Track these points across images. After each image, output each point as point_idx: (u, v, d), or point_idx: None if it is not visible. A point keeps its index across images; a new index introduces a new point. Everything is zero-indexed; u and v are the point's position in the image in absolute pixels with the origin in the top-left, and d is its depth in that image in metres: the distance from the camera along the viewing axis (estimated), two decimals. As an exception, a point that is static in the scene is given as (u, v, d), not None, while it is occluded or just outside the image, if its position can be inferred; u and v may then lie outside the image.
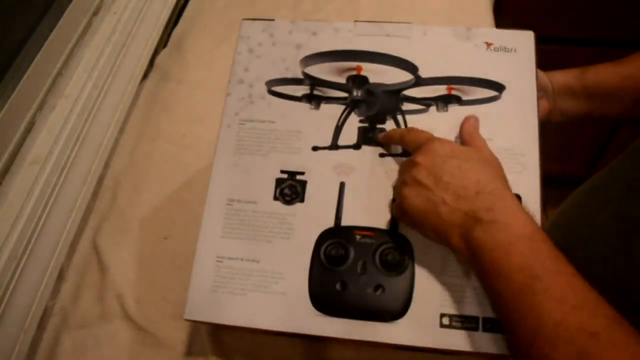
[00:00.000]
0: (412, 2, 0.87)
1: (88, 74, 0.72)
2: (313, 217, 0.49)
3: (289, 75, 0.55)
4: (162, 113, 0.77)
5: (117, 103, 0.74)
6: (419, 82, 0.53)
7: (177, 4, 0.90)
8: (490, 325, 0.44)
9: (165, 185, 0.69)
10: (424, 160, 0.44)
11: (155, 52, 0.84)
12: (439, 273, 0.46)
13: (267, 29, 0.57)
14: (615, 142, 1.30)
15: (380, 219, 0.49)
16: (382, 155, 0.51)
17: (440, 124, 0.51)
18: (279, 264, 0.48)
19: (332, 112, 0.53)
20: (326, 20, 0.84)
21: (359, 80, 0.54)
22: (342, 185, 0.50)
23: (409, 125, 0.52)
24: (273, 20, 0.58)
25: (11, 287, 0.56)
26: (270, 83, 0.55)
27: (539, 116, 0.51)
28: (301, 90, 0.54)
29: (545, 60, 0.56)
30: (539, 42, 0.53)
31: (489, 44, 0.53)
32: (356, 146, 0.52)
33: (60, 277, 0.63)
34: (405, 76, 0.53)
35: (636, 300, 0.50)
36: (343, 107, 0.53)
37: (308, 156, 0.51)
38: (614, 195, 0.56)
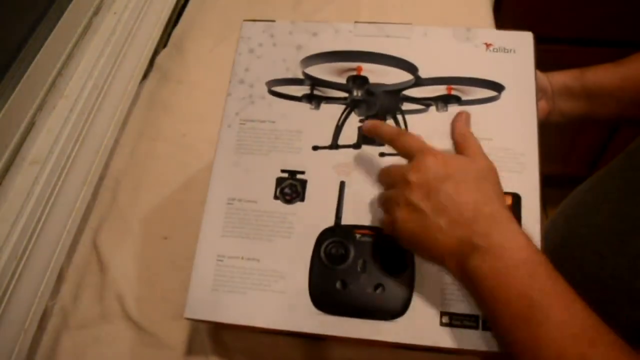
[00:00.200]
0: (412, 3, 0.87)
1: (88, 74, 0.72)
2: (313, 216, 0.49)
3: (290, 75, 0.55)
4: (162, 113, 0.77)
5: (117, 103, 0.74)
6: (419, 82, 0.53)
7: (177, 4, 0.90)
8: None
9: (165, 185, 0.69)
10: (418, 180, 0.42)
11: (155, 52, 0.84)
12: (438, 272, 0.46)
13: (267, 29, 0.57)
14: (615, 142, 1.30)
15: (380, 217, 0.49)
16: (382, 154, 0.51)
17: (440, 124, 0.51)
18: (279, 263, 0.48)
19: (332, 112, 0.53)
20: (326, 20, 0.85)
21: (359, 81, 0.54)
22: (342, 185, 0.50)
23: (409, 125, 0.52)
24: (274, 21, 0.58)
25: (11, 287, 0.56)
26: (271, 83, 0.55)
27: (538, 116, 0.51)
28: (301, 90, 0.54)
29: (545, 60, 0.56)
30: (539, 42, 0.53)
31: (488, 45, 0.54)
32: (356, 146, 0.52)
33: (60, 277, 0.63)
34: (405, 76, 0.54)
35: (634, 299, 0.50)
36: (343, 107, 0.53)
37: (308, 156, 0.52)
38: (612, 194, 0.56)
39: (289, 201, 0.50)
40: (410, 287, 0.46)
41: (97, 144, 0.70)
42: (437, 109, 0.52)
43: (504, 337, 0.39)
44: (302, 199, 0.50)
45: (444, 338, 0.44)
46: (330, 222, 0.49)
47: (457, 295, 0.46)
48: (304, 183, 0.51)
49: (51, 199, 0.62)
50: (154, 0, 0.85)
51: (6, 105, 0.60)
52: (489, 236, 0.40)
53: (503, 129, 0.50)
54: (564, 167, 1.35)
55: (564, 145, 1.32)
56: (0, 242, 0.56)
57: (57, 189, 0.63)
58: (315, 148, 0.52)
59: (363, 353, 0.55)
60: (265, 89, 0.55)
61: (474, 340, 0.44)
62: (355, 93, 0.54)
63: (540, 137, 0.50)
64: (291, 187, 0.51)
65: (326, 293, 0.47)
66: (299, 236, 0.49)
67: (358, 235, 0.48)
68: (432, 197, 0.42)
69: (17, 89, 0.62)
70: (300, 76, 0.55)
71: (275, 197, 0.51)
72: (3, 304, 0.55)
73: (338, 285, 0.47)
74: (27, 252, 0.58)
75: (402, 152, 0.46)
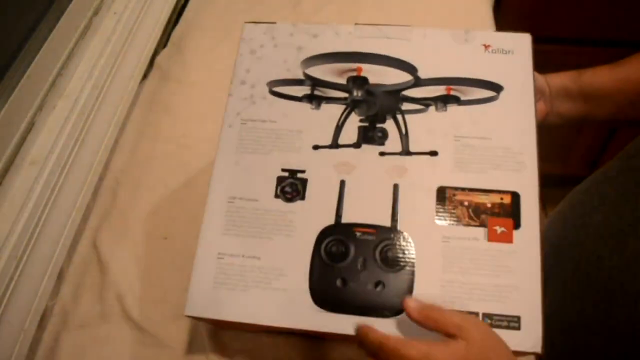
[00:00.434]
0: (412, 3, 0.87)
1: (88, 74, 0.72)
2: (314, 214, 0.50)
3: (290, 76, 0.55)
4: (162, 113, 0.77)
5: (117, 103, 0.74)
6: (418, 82, 0.54)
7: (177, 4, 0.90)
8: (489, 321, 0.45)
9: (165, 185, 0.69)
10: None
11: (155, 52, 0.84)
12: (438, 269, 0.47)
13: (268, 31, 0.58)
14: (615, 142, 1.30)
15: (380, 216, 0.49)
16: (382, 154, 0.52)
17: (439, 124, 0.52)
18: (280, 261, 0.49)
19: (332, 112, 0.54)
20: (326, 20, 0.85)
21: (359, 81, 0.54)
22: (342, 183, 0.51)
23: (409, 125, 0.52)
24: (275, 23, 0.58)
25: (11, 287, 0.56)
26: (272, 84, 0.55)
27: (536, 116, 0.51)
28: (302, 90, 0.55)
29: (545, 61, 0.56)
30: (539, 42, 0.53)
31: (486, 46, 0.54)
32: (356, 145, 0.52)
33: (60, 277, 0.63)
34: (404, 77, 0.54)
35: (630, 300, 0.50)
36: (343, 107, 0.54)
37: (309, 155, 0.52)
38: (609, 196, 0.56)
39: (289, 200, 0.51)
40: (410, 285, 0.47)
41: (97, 144, 0.70)
42: (437, 109, 0.53)
43: None
44: (303, 198, 0.50)
45: None
46: (330, 220, 0.49)
47: (456, 292, 0.46)
48: (304, 182, 0.51)
49: (51, 199, 0.62)
50: (154, 0, 0.85)
51: (6, 105, 0.60)
52: None
53: (502, 129, 0.51)
54: (563, 167, 1.35)
55: (563, 145, 1.32)
56: (0, 242, 0.56)
57: (57, 189, 0.63)
58: (315, 147, 0.52)
59: (363, 353, 0.55)
60: (266, 89, 0.55)
61: None
62: (355, 93, 0.54)
63: (539, 137, 0.51)
64: (292, 186, 0.51)
65: (326, 291, 0.47)
66: (300, 234, 0.49)
67: (358, 233, 0.49)
68: None
69: (17, 89, 0.62)
70: (301, 77, 0.55)
71: (276, 196, 0.51)
72: (3, 304, 0.55)
73: (338, 282, 0.48)
74: (27, 252, 0.58)
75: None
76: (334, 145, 0.52)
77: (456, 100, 0.53)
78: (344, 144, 0.52)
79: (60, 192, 0.64)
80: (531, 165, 0.49)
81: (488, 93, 0.53)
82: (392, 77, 0.54)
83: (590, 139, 1.33)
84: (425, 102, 0.53)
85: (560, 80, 0.61)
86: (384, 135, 0.52)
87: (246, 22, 0.59)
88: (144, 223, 0.66)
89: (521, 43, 0.54)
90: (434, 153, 0.51)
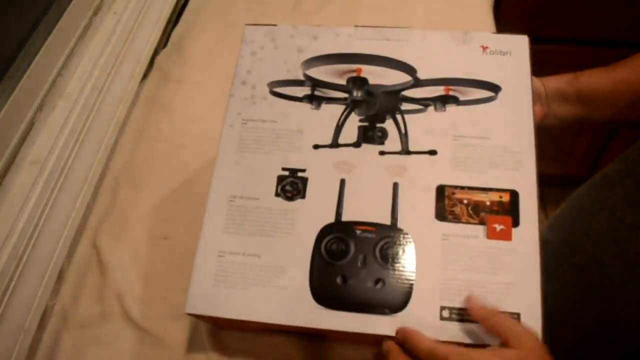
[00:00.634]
0: (412, 4, 0.87)
1: (88, 74, 0.72)
2: (314, 213, 0.50)
3: (291, 77, 0.56)
4: (162, 113, 0.77)
5: (117, 103, 0.74)
6: (417, 83, 0.54)
7: (177, 4, 0.90)
8: None
9: (165, 185, 0.69)
10: None
11: (155, 52, 0.84)
12: (438, 267, 0.47)
13: (269, 33, 0.58)
14: (615, 142, 1.30)
15: (380, 214, 0.49)
16: (381, 153, 0.52)
17: (438, 123, 0.52)
18: (280, 259, 0.49)
19: (332, 112, 0.54)
20: (326, 20, 0.85)
21: (358, 82, 0.55)
22: (342, 182, 0.51)
23: (409, 125, 0.53)
24: (275, 25, 0.58)
25: (11, 287, 0.56)
26: (273, 84, 0.56)
27: (534, 116, 0.52)
28: (302, 91, 0.55)
29: (545, 61, 0.56)
30: (539, 42, 0.54)
31: (485, 48, 0.55)
32: (356, 144, 0.52)
33: (60, 277, 0.63)
34: (403, 77, 0.55)
35: (633, 307, 0.50)
36: (343, 107, 0.54)
37: (309, 154, 0.52)
38: (610, 202, 0.56)
39: (290, 198, 0.51)
40: (410, 282, 0.47)
41: (97, 144, 0.70)
42: (436, 109, 0.53)
43: None
44: (303, 197, 0.51)
45: (445, 332, 0.45)
46: (330, 218, 0.50)
47: (456, 289, 0.46)
48: (304, 181, 0.51)
49: (51, 199, 0.62)
50: (154, 0, 0.85)
51: (6, 105, 0.61)
52: None
53: (500, 128, 0.52)
54: (563, 167, 1.35)
55: (563, 145, 1.32)
56: (0, 242, 0.57)
57: (57, 189, 0.63)
58: (316, 147, 0.53)
59: (363, 353, 0.55)
60: (267, 90, 0.56)
61: (474, 333, 0.45)
62: (355, 94, 0.55)
63: (538, 137, 0.51)
64: (292, 185, 0.51)
65: (327, 288, 0.48)
66: (300, 232, 0.50)
67: (358, 231, 0.49)
68: None
69: (17, 89, 0.62)
70: (301, 78, 0.56)
71: (277, 195, 0.51)
72: (3, 304, 0.55)
73: (338, 280, 0.48)
74: (27, 252, 0.58)
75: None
76: (334, 144, 0.53)
77: (455, 101, 0.53)
78: (344, 144, 0.53)
79: (60, 192, 0.64)
80: (530, 164, 0.50)
81: (486, 93, 0.53)
82: (392, 77, 0.55)
83: (590, 139, 1.33)
84: (425, 102, 0.53)
85: (556, 82, 0.61)
86: (384, 134, 0.53)
87: (247, 24, 0.59)
88: (144, 223, 0.67)
89: (519, 44, 0.55)
90: (433, 152, 0.51)
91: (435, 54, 0.55)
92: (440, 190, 0.50)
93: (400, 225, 0.49)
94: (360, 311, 0.47)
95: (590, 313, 0.55)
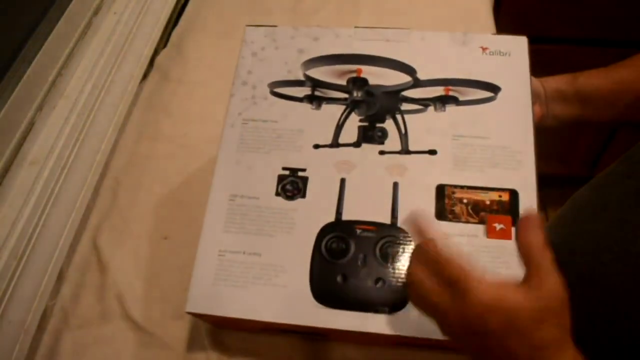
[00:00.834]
0: (412, 4, 0.87)
1: (88, 74, 0.72)
2: (314, 212, 0.50)
3: (291, 77, 0.56)
4: (162, 113, 0.77)
5: (117, 103, 0.74)
6: (417, 83, 0.55)
7: (177, 4, 0.90)
8: None
9: (165, 185, 0.69)
10: (459, 319, 0.37)
11: (155, 52, 0.84)
12: None
13: (270, 34, 0.59)
14: (615, 142, 1.30)
15: (380, 214, 0.49)
16: (381, 152, 0.52)
17: (438, 123, 0.53)
18: (281, 258, 0.49)
19: (332, 112, 0.54)
20: (325, 21, 0.85)
21: (359, 82, 0.55)
22: (342, 181, 0.51)
23: (408, 125, 0.53)
24: (276, 26, 0.59)
25: (11, 287, 0.56)
26: (273, 84, 0.56)
27: (533, 116, 0.52)
28: (303, 91, 0.56)
29: (545, 61, 0.56)
30: (539, 42, 0.54)
31: (484, 49, 0.55)
32: (356, 144, 0.53)
33: (60, 277, 0.63)
34: (403, 78, 0.55)
35: (634, 307, 0.50)
36: (343, 107, 0.54)
37: (309, 154, 0.53)
38: (612, 202, 0.56)
39: (290, 197, 0.51)
40: None
41: (97, 144, 0.70)
42: (436, 109, 0.53)
43: None
44: (304, 196, 0.51)
45: None
46: (331, 218, 0.50)
47: None
48: (305, 180, 0.52)
49: (51, 199, 0.62)
50: (154, 0, 0.85)
51: (6, 105, 0.61)
52: None
53: (500, 128, 0.52)
54: (564, 167, 1.35)
55: (564, 145, 1.32)
56: (0, 242, 0.57)
57: (57, 189, 0.63)
58: (316, 147, 0.53)
59: (363, 353, 0.55)
60: (268, 90, 0.56)
61: None
62: (355, 94, 0.55)
63: (538, 137, 0.51)
64: (292, 184, 0.51)
65: (327, 287, 0.48)
66: (300, 231, 0.50)
67: (359, 231, 0.49)
68: (472, 338, 0.37)
69: (17, 89, 0.62)
70: (302, 78, 0.56)
71: (277, 194, 0.51)
72: (3, 304, 0.55)
73: (339, 279, 0.48)
74: (27, 252, 0.58)
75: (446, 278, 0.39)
76: (335, 144, 0.53)
77: (455, 101, 0.53)
78: (344, 143, 0.53)
79: (60, 192, 0.64)
80: (529, 164, 0.50)
81: (486, 94, 0.53)
82: (392, 78, 0.55)
83: (591, 139, 1.33)
84: (424, 103, 0.54)
85: (555, 83, 0.61)
86: (384, 134, 0.53)
87: (247, 25, 0.60)
88: (144, 223, 0.67)
89: (518, 45, 0.55)
90: (433, 152, 0.51)
91: (435, 55, 0.56)
92: (440, 190, 0.50)
93: (400, 224, 0.49)
94: (361, 310, 0.47)
95: (591, 313, 0.55)
